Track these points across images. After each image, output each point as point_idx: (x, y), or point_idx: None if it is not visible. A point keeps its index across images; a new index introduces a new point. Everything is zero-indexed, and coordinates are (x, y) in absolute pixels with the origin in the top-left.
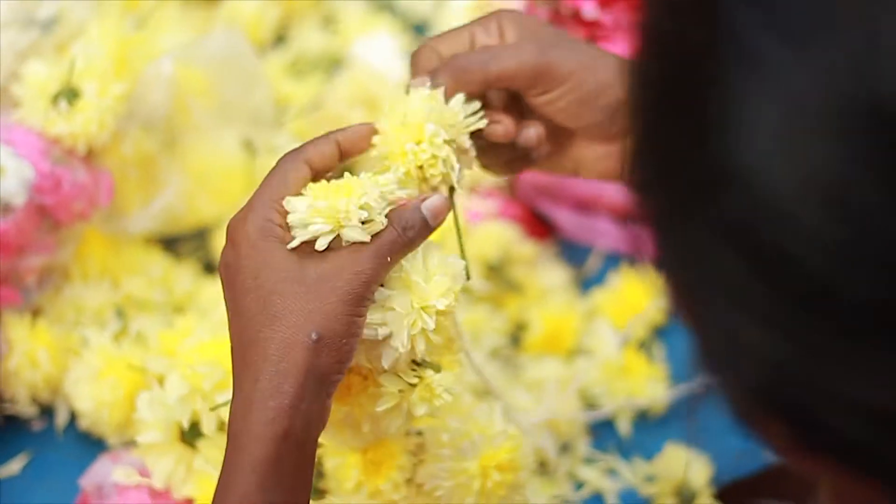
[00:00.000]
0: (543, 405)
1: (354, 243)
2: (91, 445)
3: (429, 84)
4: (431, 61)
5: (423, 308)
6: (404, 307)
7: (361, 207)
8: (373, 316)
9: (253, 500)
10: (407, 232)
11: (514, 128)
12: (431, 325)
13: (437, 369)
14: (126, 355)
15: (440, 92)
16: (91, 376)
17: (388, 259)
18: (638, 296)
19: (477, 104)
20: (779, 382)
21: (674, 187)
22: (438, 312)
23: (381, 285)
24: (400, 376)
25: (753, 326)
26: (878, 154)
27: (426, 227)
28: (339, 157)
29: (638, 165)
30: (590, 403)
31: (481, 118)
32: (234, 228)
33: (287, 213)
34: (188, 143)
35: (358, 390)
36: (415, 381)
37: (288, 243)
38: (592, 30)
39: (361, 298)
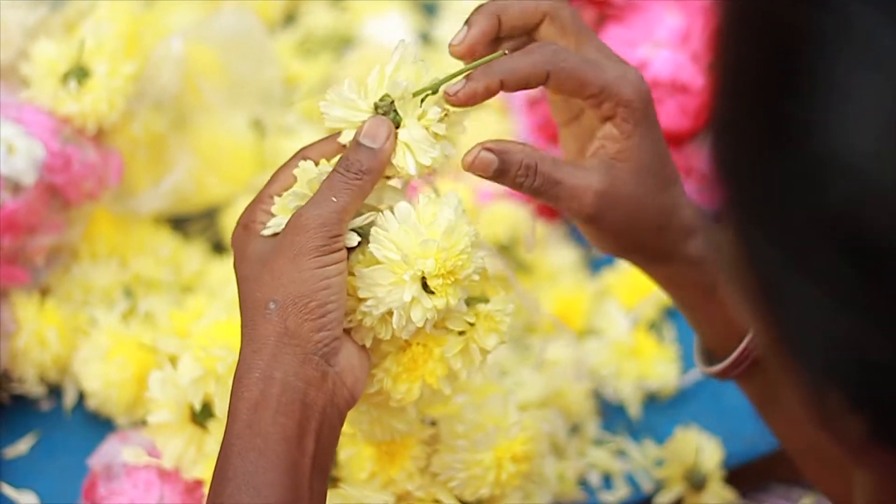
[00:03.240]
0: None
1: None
2: (99, 425)
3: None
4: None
5: (400, 281)
6: (386, 280)
7: (308, 187)
8: (364, 295)
9: (234, 471)
10: (350, 168)
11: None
12: (408, 296)
13: (486, 299)
14: (135, 335)
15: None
16: (99, 356)
17: (334, 199)
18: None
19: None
20: (862, 367)
21: (768, 168)
22: (428, 276)
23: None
24: (455, 321)
25: (843, 310)
26: None
27: (370, 153)
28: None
29: (728, 151)
30: (600, 384)
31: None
32: (233, 233)
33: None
34: (197, 123)
35: (424, 358)
36: (472, 318)
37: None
38: (603, 9)
39: (312, 249)
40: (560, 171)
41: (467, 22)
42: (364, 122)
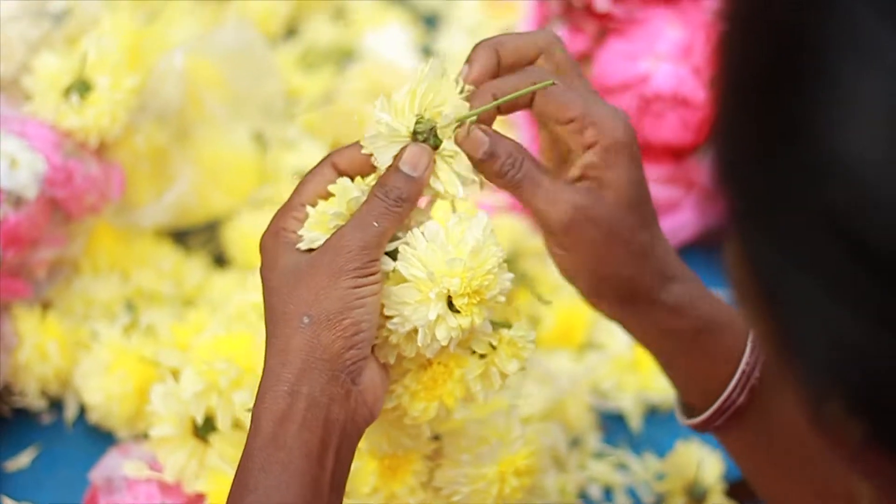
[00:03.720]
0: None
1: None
2: (100, 439)
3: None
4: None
5: (426, 299)
6: (413, 298)
7: (340, 205)
8: (390, 313)
9: (255, 484)
10: (389, 194)
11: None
12: (433, 314)
13: (509, 325)
14: (136, 348)
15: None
16: (101, 369)
17: (375, 224)
18: None
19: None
20: (864, 372)
21: (770, 171)
22: (454, 295)
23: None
24: (478, 343)
25: (846, 314)
26: None
27: (409, 181)
28: (370, 162)
29: (727, 147)
30: (601, 397)
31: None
32: (260, 243)
33: (305, 217)
34: (199, 136)
35: (444, 378)
36: (495, 342)
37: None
38: (604, 22)
39: (351, 269)
40: (544, 176)
41: (468, 60)
42: (404, 147)
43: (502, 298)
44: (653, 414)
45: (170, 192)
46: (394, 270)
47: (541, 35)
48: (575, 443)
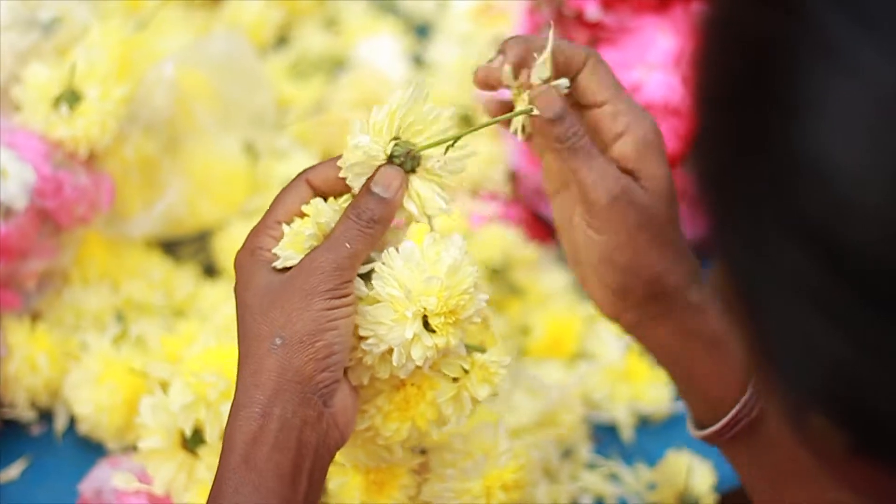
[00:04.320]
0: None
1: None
2: (90, 450)
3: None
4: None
5: (402, 318)
6: (388, 317)
7: (314, 225)
8: (365, 333)
9: (226, 499)
10: (361, 216)
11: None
12: (409, 333)
13: (482, 349)
14: (126, 359)
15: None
16: (90, 380)
17: (347, 245)
18: None
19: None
20: (844, 383)
21: (745, 180)
22: (430, 314)
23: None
24: (451, 366)
25: (823, 324)
26: None
27: (381, 203)
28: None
29: (705, 157)
30: (592, 408)
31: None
32: (235, 260)
33: (281, 234)
34: (189, 146)
35: (417, 400)
36: (467, 366)
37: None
38: (595, 31)
39: (324, 292)
40: (598, 154)
41: (501, 49)
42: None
43: (477, 319)
44: (644, 424)
45: (160, 202)
46: (367, 293)
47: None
48: (566, 453)
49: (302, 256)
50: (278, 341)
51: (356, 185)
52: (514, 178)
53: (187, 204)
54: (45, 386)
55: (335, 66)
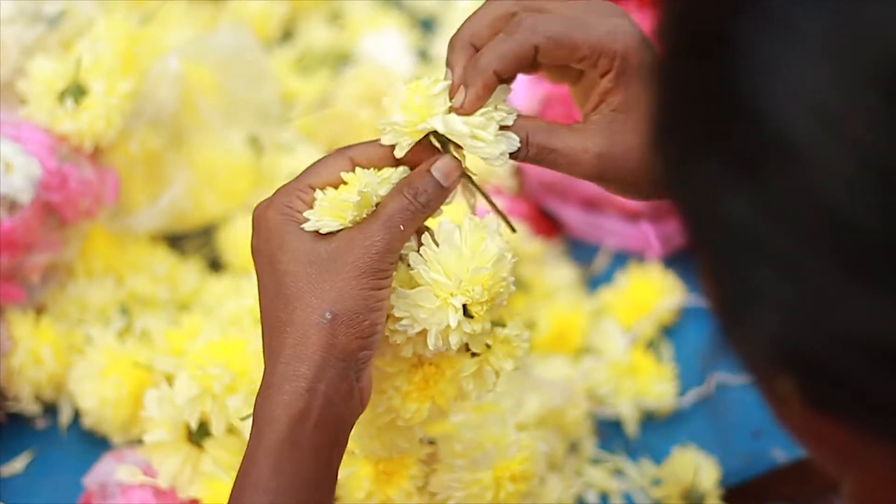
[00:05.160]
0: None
1: (364, 219)
2: (95, 444)
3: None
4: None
5: (445, 304)
6: (430, 302)
7: (359, 194)
8: (400, 314)
9: (267, 485)
10: (418, 197)
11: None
12: (454, 321)
13: (503, 324)
14: (130, 353)
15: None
16: (95, 374)
17: (401, 227)
18: (646, 295)
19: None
20: (792, 328)
21: (696, 131)
22: (473, 302)
23: (403, 287)
24: (477, 343)
25: (770, 271)
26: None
27: (439, 189)
28: (389, 161)
29: (663, 112)
30: (597, 403)
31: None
32: (258, 214)
33: (312, 199)
34: (194, 141)
35: (436, 379)
36: (490, 340)
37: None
38: None
39: (375, 271)
40: (555, 138)
41: (448, 64)
42: (436, 155)
43: (505, 302)
44: (649, 419)
45: (165, 196)
46: (401, 272)
47: (497, 8)
48: (571, 449)
49: (340, 225)
50: (328, 315)
51: (402, 148)
52: (519, 172)
53: (192, 198)
54: (49, 379)
55: (340, 60)
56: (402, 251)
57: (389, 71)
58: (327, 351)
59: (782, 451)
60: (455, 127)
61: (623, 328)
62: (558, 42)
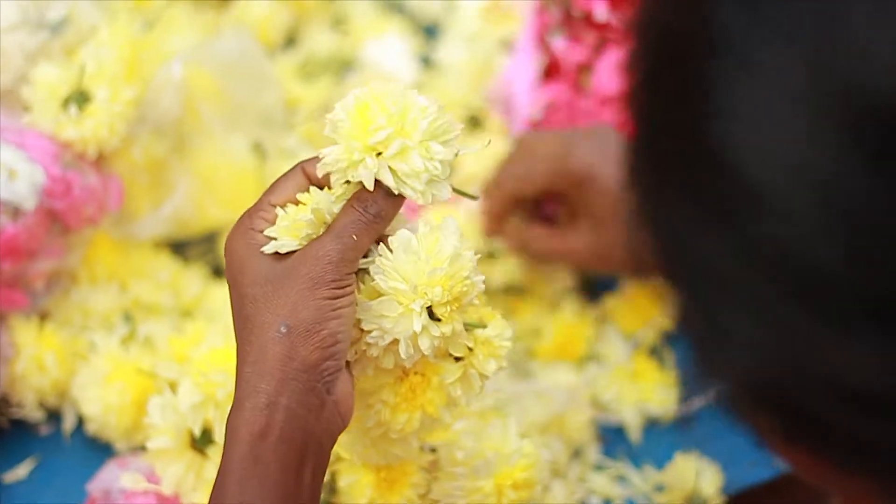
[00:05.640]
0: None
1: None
2: (98, 450)
3: None
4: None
5: (408, 311)
6: (393, 311)
7: (312, 212)
8: (368, 327)
9: (232, 500)
10: (368, 209)
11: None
12: (418, 326)
13: (483, 325)
14: (134, 360)
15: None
16: (99, 380)
17: (354, 237)
18: (648, 302)
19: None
20: (762, 368)
21: (662, 172)
22: (436, 304)
23: (368, 299)
24: (456, 347)
25: (740, 313)
26: (860, 140)
27: (388, 199)
28: None
29: (634, 153)
30: (600, 410)
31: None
32: (226, 243)
33: (274, 217)
34: (198, 147)
35: (423, 388)
36: (471, 344)
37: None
38: (603, 32)
39: (329, 281)
40: (551, 241)
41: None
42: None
43: (476, 301)
44: (652, 426)
45: (168, 203)
46: (363, 283)
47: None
48: (575, 455)
49: (297, 243)
50: (283, 329)
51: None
52: None
53: (195, 205)
54: (53, 386)
55: (343, 66)
56: (365, 264)
57: (393, 77)
58: (286, 364)
59: None
60: (384, 179)
61: (626, 335)
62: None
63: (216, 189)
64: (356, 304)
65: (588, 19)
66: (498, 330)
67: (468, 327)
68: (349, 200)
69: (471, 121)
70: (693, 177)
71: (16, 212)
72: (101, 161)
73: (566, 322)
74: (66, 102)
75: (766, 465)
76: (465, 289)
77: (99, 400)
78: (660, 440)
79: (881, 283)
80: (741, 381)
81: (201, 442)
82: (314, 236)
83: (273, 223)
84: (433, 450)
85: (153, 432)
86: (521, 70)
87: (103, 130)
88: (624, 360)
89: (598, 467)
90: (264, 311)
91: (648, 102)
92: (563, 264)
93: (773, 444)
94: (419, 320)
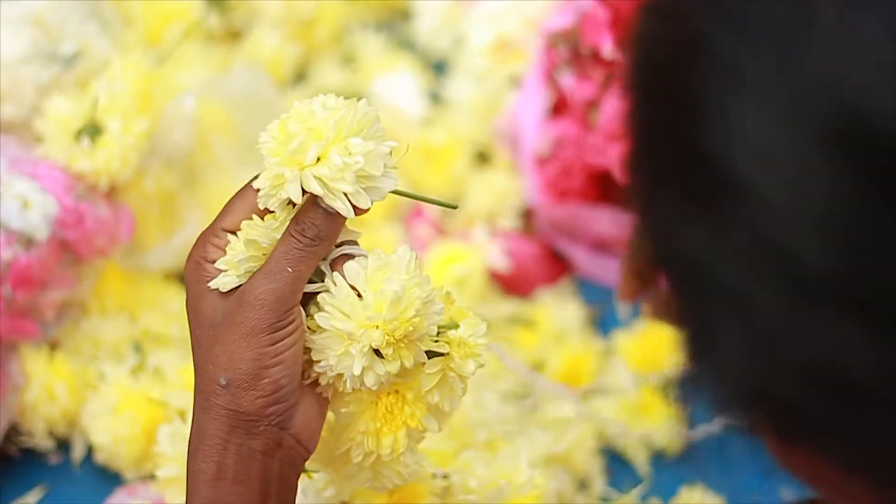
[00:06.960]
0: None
1: (253, 273)
2: (107, 479)
3: None
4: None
5: (347, 353)
6: (336, 348)
7: (246, 245)
8: (317, 357)
9: None
10: (306, 232)
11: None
12: (357, 368)
13: (455, 326)
14: (143, 389)
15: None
16: (108, 410)
17: (289, 270)
18: (659, 346)
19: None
20: (749, 363)
21: (652, 165)
22: (380, 347)
23: (314, 330)
24: (430, 354)
25: (721, 306)
26: (839, 140)
27: (327, 218)
28: None
29: (631, 160)
30: (606, 441)
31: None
32: (184, 268)
33: (225, 244)
34: (208, 180)
35: (399, 406)
36: (445, 349)
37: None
38: (611, 69)
39: (265, 328)
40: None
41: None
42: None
43: (434, 330)
44: (658, 458)
45: (178, 235)
46: (314, 312)
47: None
48: (581, 487)
49: (237, 280)
50: (223, 381)
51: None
52: (528, 213)
53: None
54: (62, 415)
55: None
56: (314, 289)
57: (401, 113)
58: (231, 415)
59: (790, 490)
60: (310, 188)
61: (636, 374)
62: None
63: None
64: (305, 332)
65: (596, 56)
66: (472, 328)
67: (440, 330)
68: (288, 226)
69: (479, 156)
70: (679, 169)
71: (28, 242)
72: (112, 193)
73: (572, 353)
74: (78, 134)
75: (771, 498)
76: (412, 328)
77: (109, 430)
78: (666, 472)
79: (870, 280)
80: (730, 378)
81: None
82: (254, 269)
83: (224, 251)
84: (445, 476)
85: (162, 461)
86: (529, 106)
87: (115, 162)
88: (630, 393)
89: (605, 499)
90: (207, 361)
91: (641, 111)
92: None
93: (770, 447)
94: (360, 362)
